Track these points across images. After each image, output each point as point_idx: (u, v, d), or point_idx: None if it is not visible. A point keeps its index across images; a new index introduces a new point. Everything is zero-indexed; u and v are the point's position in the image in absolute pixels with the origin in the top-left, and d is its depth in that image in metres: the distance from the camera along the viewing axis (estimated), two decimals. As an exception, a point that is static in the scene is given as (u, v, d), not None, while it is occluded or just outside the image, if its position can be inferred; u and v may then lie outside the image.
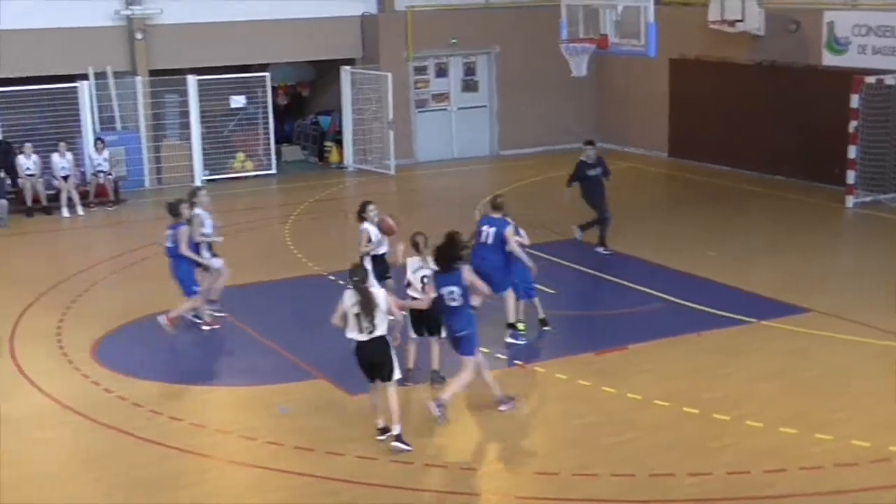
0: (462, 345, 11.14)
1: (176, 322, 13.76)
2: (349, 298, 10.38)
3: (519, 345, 13.25)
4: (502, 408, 11.40)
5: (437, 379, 12.01)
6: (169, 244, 13.91)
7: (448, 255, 10.99)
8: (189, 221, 13.88)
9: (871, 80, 19.80)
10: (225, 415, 11.64)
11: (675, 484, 9.80)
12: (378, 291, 10.52)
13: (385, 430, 10.64)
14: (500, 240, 12.88)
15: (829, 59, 21.66)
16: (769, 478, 9.85)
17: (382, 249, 13.47)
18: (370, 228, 13.37)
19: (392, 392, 10.57)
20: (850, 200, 20.09)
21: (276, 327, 14.13)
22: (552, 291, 14.95)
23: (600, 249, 17.16)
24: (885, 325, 13.58)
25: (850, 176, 20.07)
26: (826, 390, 11.86)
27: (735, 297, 15.01)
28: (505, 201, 13.37)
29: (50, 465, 10.48)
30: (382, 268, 13.23)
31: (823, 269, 16.43)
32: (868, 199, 20.15)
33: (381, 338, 10.38)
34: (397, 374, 10.66)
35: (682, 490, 9.69)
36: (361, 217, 13.47)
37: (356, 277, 10.36)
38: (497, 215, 13.18)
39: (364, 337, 10.35)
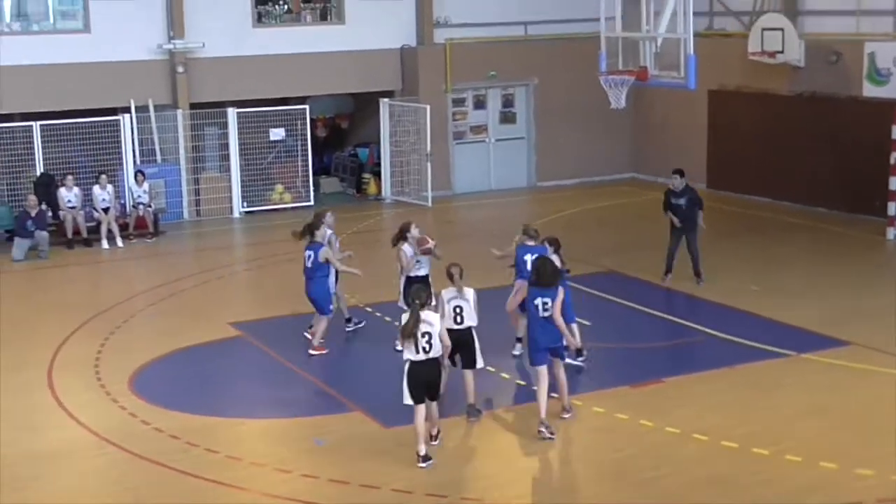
0: (562, 351, 11.78)
1: (323, 345, 14.19)
2: (405, 319, 10.77)
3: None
4: (566, 416, 11.88)
5: (474, 412, 11.97)
6: (308, 265, 14.22)
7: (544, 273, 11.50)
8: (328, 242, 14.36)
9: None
10: (260, 447, 11.64)
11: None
12: (434, 316, 10.80)
13: (426, 458, 10.79)
14: None
15: (870, 90, 21.48)
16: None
17: (423, 271, 13.56)
18: (408, 249, 13.59)
19: (435, 406, 11.20)
20: (891, 232, 19.87)
21: (312, 359, 14.14)
22: (587, 323, 14.85)
23: (698, 282, 16.96)
24: None
25: (892, 207, 19.86)
26: (866, 425, 11.68)
27: (774, 329, 14.86)
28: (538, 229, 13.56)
29: (87, 497, 10.51)
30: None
31: (863, 302, 16.22)
32: (911, 232, 19.93)
33: (435, 359, 10.78)
34: (442, 390, 11.36)
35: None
36: (404, 237, 13.68)
37: (417, 300, 10.72)
38: (533, 244, 13.30)
39: (420, 357, 10.68)
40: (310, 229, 14.36)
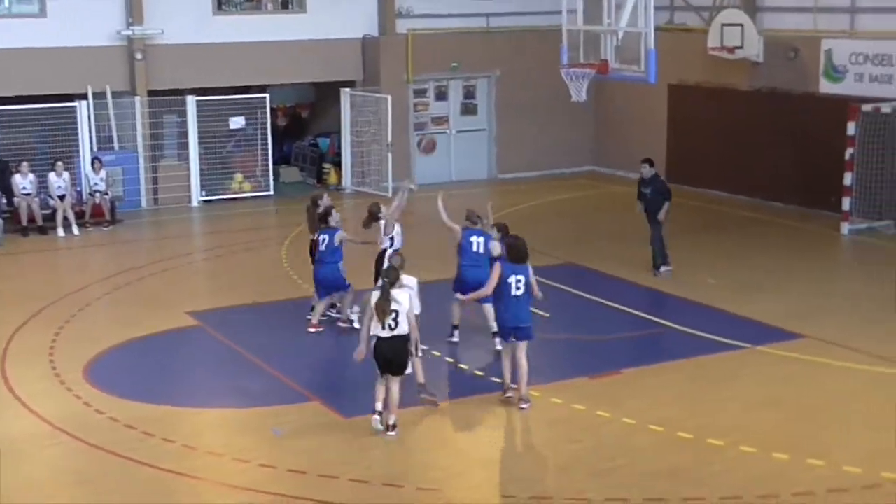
0: (528, 333, 11.98)
1: (348, 318, 14.56)
2: (375, 297, 11.04)
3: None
4: (524, 406, 11.93)
5: (424, 391, 12.10)
6: (322, 248, 14.38)
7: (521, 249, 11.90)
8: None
9: (867, 107, 19.86)
10: (218, 437, 11.59)
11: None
12: (403, 295, 11.13)
13: (380, 415, 11.29)
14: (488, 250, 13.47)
15: (826, 87, 21.73)
16: (762, 503, 9.82)
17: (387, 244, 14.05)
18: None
19: (396, 388, 11.30)
20: (846, 227, 20.12)
21: (270, 349, 14.09)
22: (546, 315, 14.93)
23: (660, 271, 17.12)
24: (879, 352, 13.58)
25: (846, 203, 20.11)
26: (819, 416, 11.84)
27: (730, 322, 14.99)
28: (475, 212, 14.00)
29: (41, 487, 10.41)
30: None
31: (818, 296, 16.42)
32: (863, 226, 20.17)
33: (401, 336, 11.10)
34: (408, 371, 11.51)
35: None
36: (376, 219, 14.28)
37: (387, 278, 11.14)
38: (478, 227, 13.84)
39: (386, 333, 11.04)
40: (322, 217, 14.57)
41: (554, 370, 13.35)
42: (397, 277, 11.26)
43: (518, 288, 11.78)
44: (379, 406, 11.37)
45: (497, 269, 11.90)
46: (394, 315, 11.03)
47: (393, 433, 11.29)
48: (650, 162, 17.51)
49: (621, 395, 12.47)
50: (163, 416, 11.94)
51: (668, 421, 11.58)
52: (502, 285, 11.80)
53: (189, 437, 11.40)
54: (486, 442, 11.44)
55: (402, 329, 11.11)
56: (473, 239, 13.72)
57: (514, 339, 11.97)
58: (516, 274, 11.78)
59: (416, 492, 10.17)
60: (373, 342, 11.24)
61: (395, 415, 11.34)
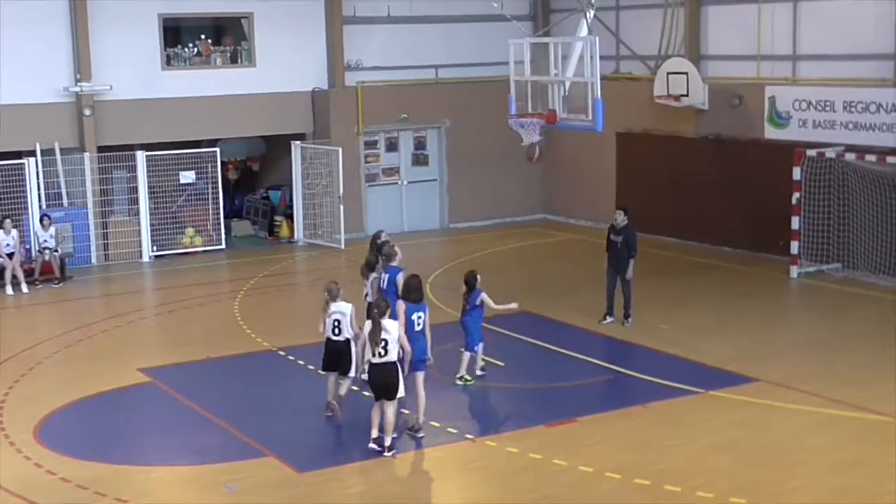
0: (423, 366, 12.70)
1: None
2: (367, 327, 11.96)
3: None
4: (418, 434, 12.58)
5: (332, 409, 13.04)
6: (382, 286, 14.17)
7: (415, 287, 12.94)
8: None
9: (812, 152, 20.22)
10: (172, 495, 11.41)
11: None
12: (392, 324, 11.97)
13: (378, 441, 12.02)
14: None
15: (771, 133, 22.09)
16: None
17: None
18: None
19: (391, 411, 12.03)
20: (795, 271, 20.38)
21: (224, 404, 13.95)
22: (501, 364, 14.94)
23: (624, 323, 17.09)
24: (832, 395, 13.71)
25: (794, 246, 20.40)
26: (775, 460, 11.90)
27: (683, 367, 15.08)
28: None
29: (-11, 551, 10.20)
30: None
31: (770, 339, 16.58)
32: (812, 269, 20.45)
33: (392, 362, 11.92)
34: (401, 393, 12.15)
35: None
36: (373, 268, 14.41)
37: (376, 310, 11.99)
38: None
39: (377, 360, 11.87)
40: (387, 258, 14.39)
41: (510, 419, 13.35)
42: (387, 308, 12.09)
43: (419, 325, 12.62)
44: (375, 433, 12.07)
45: (402, 306, 12.61)
46: (384, 343, 11.84)
47: (390, 454, 11.94)
48: (625, 210, 17.41)
49: (578, 443, 12.47)
50: (115, 476, 11.75)
51: (626, 468, 11.59)
52: (407, 322, 12.51)
53: (142, 495, 11.23)
54: (442, 493, 11.38)
55: (392, 356, 11.89)
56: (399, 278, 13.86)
57: (414, 372, 12.55)
58: (417, 312, 12.68)
59: None
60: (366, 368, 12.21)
61: (391, 436, 12.01)
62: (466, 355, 14.47)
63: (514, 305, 14.89)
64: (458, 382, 14.41)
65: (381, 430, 12.09)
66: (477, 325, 14.54)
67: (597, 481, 11.35)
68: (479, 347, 14.59)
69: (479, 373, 14.65)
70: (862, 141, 20.27)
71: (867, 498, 10.79)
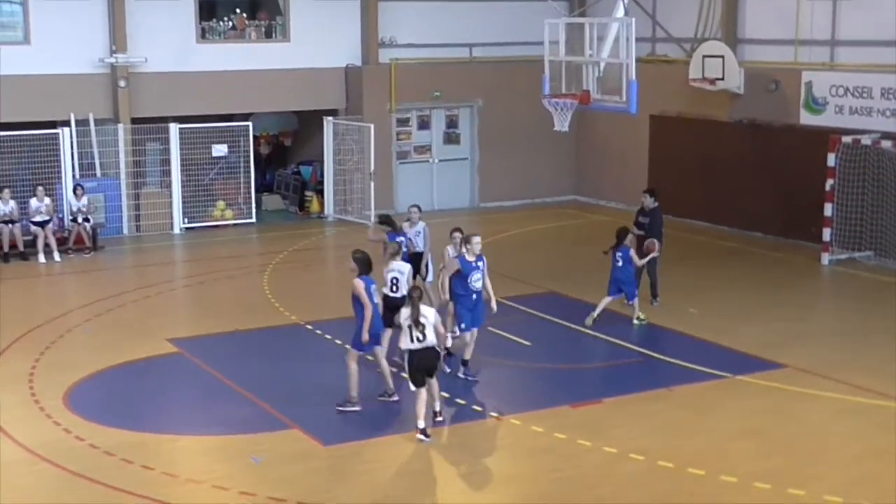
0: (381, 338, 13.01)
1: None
2: (404, 312, 11.92)
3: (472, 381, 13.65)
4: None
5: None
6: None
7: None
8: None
9: (847, 139, 20.04)
10: (198, 464, 11.52)
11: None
12: (429, 310, 12.07)
13: (425, 433, 11.89)
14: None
15: (807, 119, 21.90)
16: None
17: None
18: (450, 250, 14.28)
19: (435, 381, 12.28)
20: (826, 258, 20.24)
21: (251, 376, 14.05)
22: (528, 343, 14.94)
23: (653, 302, 17.20)
24: (860, 382, 13.63)
25: (826, 234, 20.25)
26: (800, 446, 11.86)
27: (710, 351, 15.03)
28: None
29: (18, 514, 10.34)
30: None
31: (799, 326, 16.49)
32: (843, 256, 20.30)
33: (430, 347, 11.99)
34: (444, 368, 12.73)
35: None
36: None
37: (415, 294, 12.03)
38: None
39: (415, 346, 11.91)
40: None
41: (535, 399, 13.34)
42: (422, 294, 12.40)
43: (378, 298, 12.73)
44: (421, 423, 11.91)
45: (360, 284, 12.45)
46: (422, 328, 11.87)
47: (440, 419, 12.28)
48: (652, 193, 17.60)
49: (602, 424, 12.46)
50: (142, 443, 11.87)
51: (649, 450, 11.57)
52: (368, 296, 12.46)
53: (168, 464, 11.33)
54: (467, 471, 11.41)
55: (430, 340, 11.94)
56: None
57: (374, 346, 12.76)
58: (373, 284, 12.67)
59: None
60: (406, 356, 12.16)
61: (441, 403, 12.38)
62: (636, 303, 16.25)
63: (655, 254, 16.59)
64: (636, 322, 16.20)
65: (428, 411, 12.23)
66: (632, 276, 16.20)
67: (620, 463, 11.35)
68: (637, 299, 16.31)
69: (637, 320, 16.27)
70: (899, 128, 20.09)
71: (891, 486, 10.73)
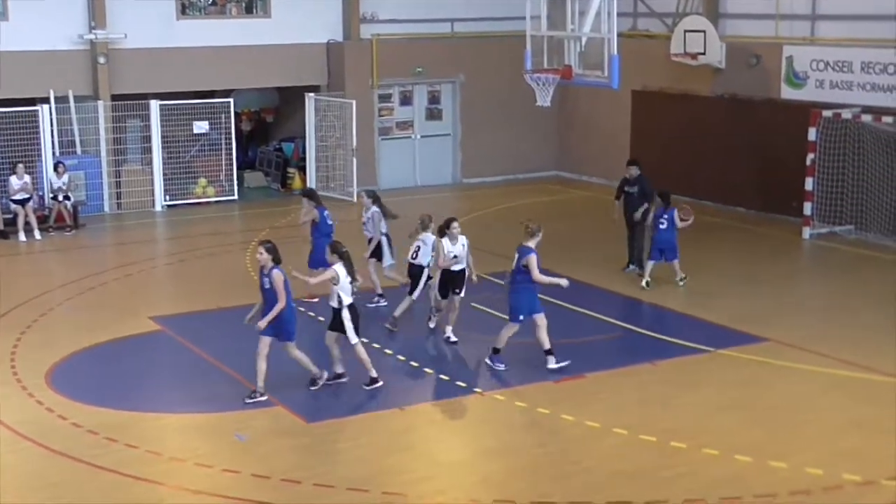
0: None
1: None
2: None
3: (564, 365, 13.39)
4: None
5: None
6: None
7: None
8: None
9: (828, 113, 20.08)
10: (181, 442, 11.53)
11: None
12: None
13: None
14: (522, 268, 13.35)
15: (788, 93, 21.93)
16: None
17: (458, 267, 14.20)
18: (447, 243, 14.11)
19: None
20: (807, 232, 20.32)
21: (234, 354, 14.01)
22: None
23: (629, 269, 17.53)
24: (841, 356, 13.72)
25: (808, 208, 20.32)
26: (782, 419, 11.94)
27: (694, 326, 15.11)
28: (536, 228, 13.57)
29: (3, 493, 10.31)
30: (456, 283, 14.31)
31: (781, 300, 16.57)
32: (824, 230, 20.39)
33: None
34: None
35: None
36: (443, 232, 14.20)
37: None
38: (527, 243, 13.44)
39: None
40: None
41: (518, 374, 13.38)
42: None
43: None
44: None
45: (281, 276, 12.21)
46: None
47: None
48: (636, 163, 17.88)
49: (586, 398, 12.52)
50: (125, 422, 11.85)
51: (632, 424, 11.63)
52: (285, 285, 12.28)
53: (152, 442, 11.33)
54: (450, 446, 11.46)
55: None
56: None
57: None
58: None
59: (381, 496, 10.16)
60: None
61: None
62: (676, 264, 16.76)
63: (691, 220, 16.92)
64: (680, 284, 16.77)
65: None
66: (675, 238, 16.69)
67: (603, 437, 11.41)
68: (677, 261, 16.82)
69: (681, 281, 16.82)
70: (879, 102, 20.12)
71: (873, 458, 10.82)
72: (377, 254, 15.88)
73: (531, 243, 13.33)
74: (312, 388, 12.63)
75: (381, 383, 12.72)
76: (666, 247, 16.73)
